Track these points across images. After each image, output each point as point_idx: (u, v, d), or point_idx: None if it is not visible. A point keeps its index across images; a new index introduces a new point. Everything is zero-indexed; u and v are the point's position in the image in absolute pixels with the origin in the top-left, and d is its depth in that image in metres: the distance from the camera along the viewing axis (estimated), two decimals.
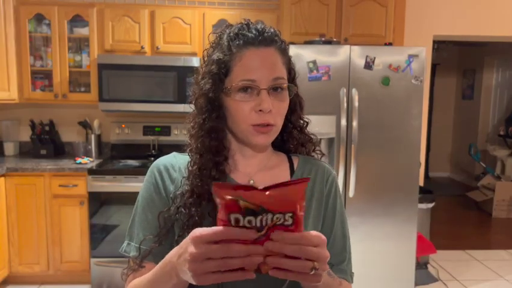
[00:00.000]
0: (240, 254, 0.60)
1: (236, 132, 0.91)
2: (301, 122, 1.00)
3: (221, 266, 0.60)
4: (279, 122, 0.90)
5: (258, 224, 0.60)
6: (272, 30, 0.90)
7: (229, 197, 0.60)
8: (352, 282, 0.97)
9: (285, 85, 0.88)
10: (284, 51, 0.91)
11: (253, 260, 0.60)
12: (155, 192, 0.93)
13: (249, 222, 0.60)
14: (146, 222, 0.91)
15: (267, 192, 0.60)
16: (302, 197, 0.62)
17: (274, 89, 0.87)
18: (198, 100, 0.92)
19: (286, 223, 0.61)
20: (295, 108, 0.97)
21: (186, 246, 0.65)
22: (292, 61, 0.95)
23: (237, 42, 0.87)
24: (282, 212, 0.61)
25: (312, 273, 0.63)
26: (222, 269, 0.61)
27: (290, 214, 0.61)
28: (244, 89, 0.86)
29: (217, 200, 0.62)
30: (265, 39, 0.87)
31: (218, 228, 0.61)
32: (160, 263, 0.76)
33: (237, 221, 0.60)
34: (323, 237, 0.65)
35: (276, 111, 0.87)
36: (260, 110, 0.85)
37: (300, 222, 0.62)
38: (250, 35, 0.87)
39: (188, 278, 0.65)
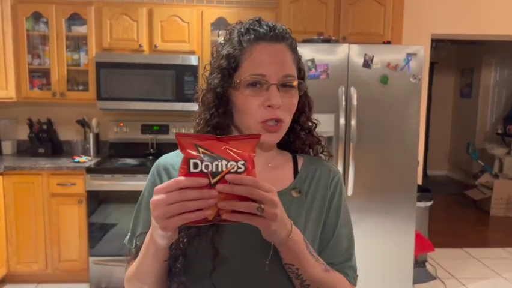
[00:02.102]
0: (194, 197, 0.65)
1: (243, 129, 0.90)
2: (310, 123, 0.98)
3: (180, 208, 0.66)
4: (287, 118, 0.89)
5: (214, 169, 0.66)
6: (284, 27, 0.89)
7: (191, 145, 0.68)
8: (354, 284, 0.95)
9: (295, 83, 0.88)
10: (295, 49, 0.90)
11: (207, 202, 0.66)
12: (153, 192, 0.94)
13: (206, 167, 0.66)
14: (149, 220, 0.92)
15: (223, 141, 0.69)
16: (253, 150, 0.70)
17: (284, 85, 0.86)
18: (205, 95, 0.91)
19: (239, 170, 0.67)
20: (303, 109, 0.96)
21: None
22: (302, 61, 0.94)
23: (248, 37, 0.86)
24: (235, 161, 0.67)
25: (259, 213, 0.67)
26: (182, 211, 0.66)
27: (242, 162, 0.67)
28: (254, 83, 0.85)
29: (180, 148, 0.68)
30: (276, 35, 0.86)
31: (174, 179, 0.67)
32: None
33: (195, 165, 0.66)
34: (272, 187, 0.70)
35: (285, 107, 0.87)
36: (269, 106, 0.84)
37: (250, 171, 0.68)
38: (261, 30, 0.86)
39: (158, 233, 0.71)
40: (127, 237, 0.96)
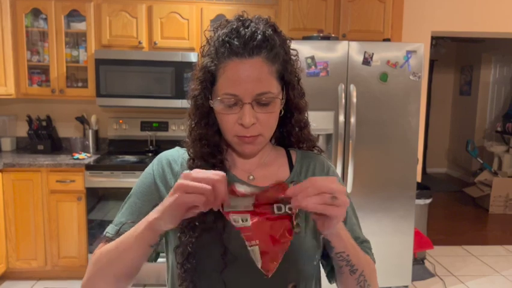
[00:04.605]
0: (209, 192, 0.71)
1: (226, 140, 0.91)
2: (301, 123, 0.98)
3: (206, 193, 0.70)
4: (266, 132, 0.88)
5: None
6: (260, 36, 0.83)
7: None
8: (375, 261, 0.98)
9: (271, 98, 0.85)
10: (274, 58, 0.85)
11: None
12: (152, 182, 0.93)
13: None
14: (134, 207, 0.92)
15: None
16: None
17: (259, 103, 0.84)
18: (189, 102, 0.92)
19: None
20: (292, 110, 0.95)
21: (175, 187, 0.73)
22: (293, 57, 0.90)
23: (222, 50, 0.83)
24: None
25: (333, 202, 0.71)
26: (202, 194, 0.70)
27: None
28: (227, 102, 0.84)
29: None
30: (251, 48, 0.82)
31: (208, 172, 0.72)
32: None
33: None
34: (333, 177, 0.76)
35: (263, 122, 0.86)
36: (242, 124, 0.84)
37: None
38: (235, 43, 0.82)
39: (167, 208, 0.73)
40: (107, 227, 0.94)
